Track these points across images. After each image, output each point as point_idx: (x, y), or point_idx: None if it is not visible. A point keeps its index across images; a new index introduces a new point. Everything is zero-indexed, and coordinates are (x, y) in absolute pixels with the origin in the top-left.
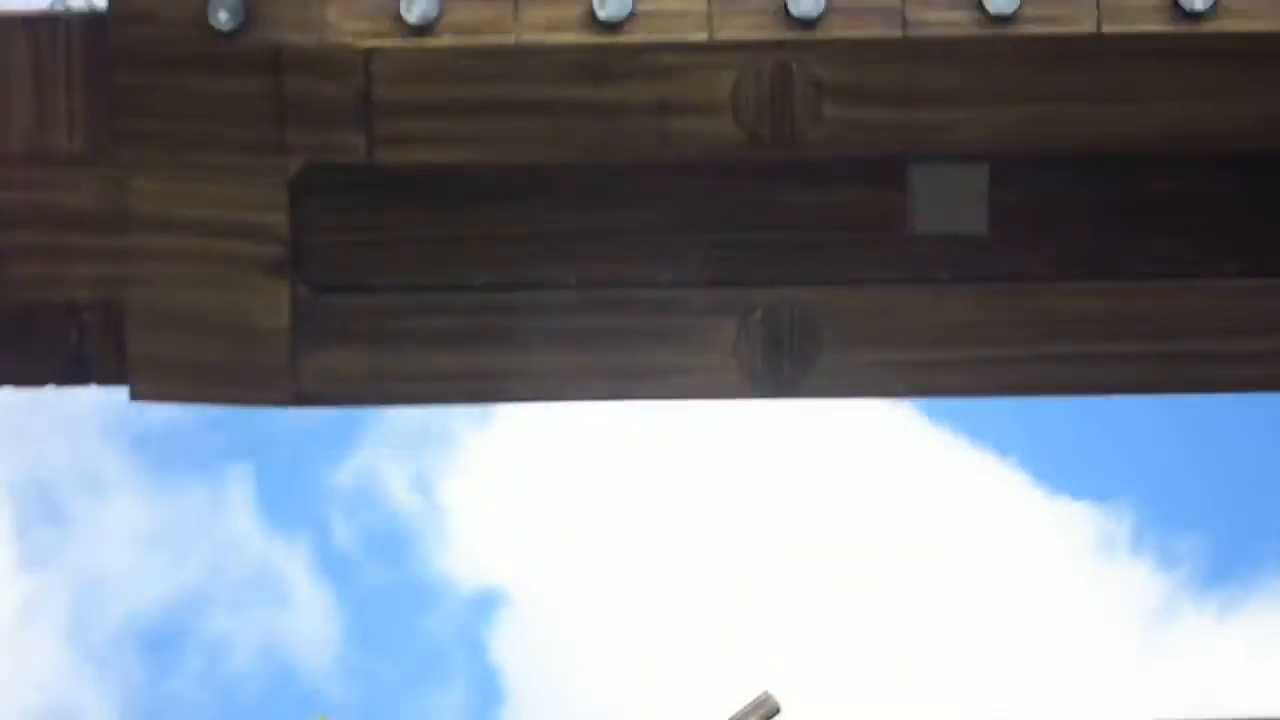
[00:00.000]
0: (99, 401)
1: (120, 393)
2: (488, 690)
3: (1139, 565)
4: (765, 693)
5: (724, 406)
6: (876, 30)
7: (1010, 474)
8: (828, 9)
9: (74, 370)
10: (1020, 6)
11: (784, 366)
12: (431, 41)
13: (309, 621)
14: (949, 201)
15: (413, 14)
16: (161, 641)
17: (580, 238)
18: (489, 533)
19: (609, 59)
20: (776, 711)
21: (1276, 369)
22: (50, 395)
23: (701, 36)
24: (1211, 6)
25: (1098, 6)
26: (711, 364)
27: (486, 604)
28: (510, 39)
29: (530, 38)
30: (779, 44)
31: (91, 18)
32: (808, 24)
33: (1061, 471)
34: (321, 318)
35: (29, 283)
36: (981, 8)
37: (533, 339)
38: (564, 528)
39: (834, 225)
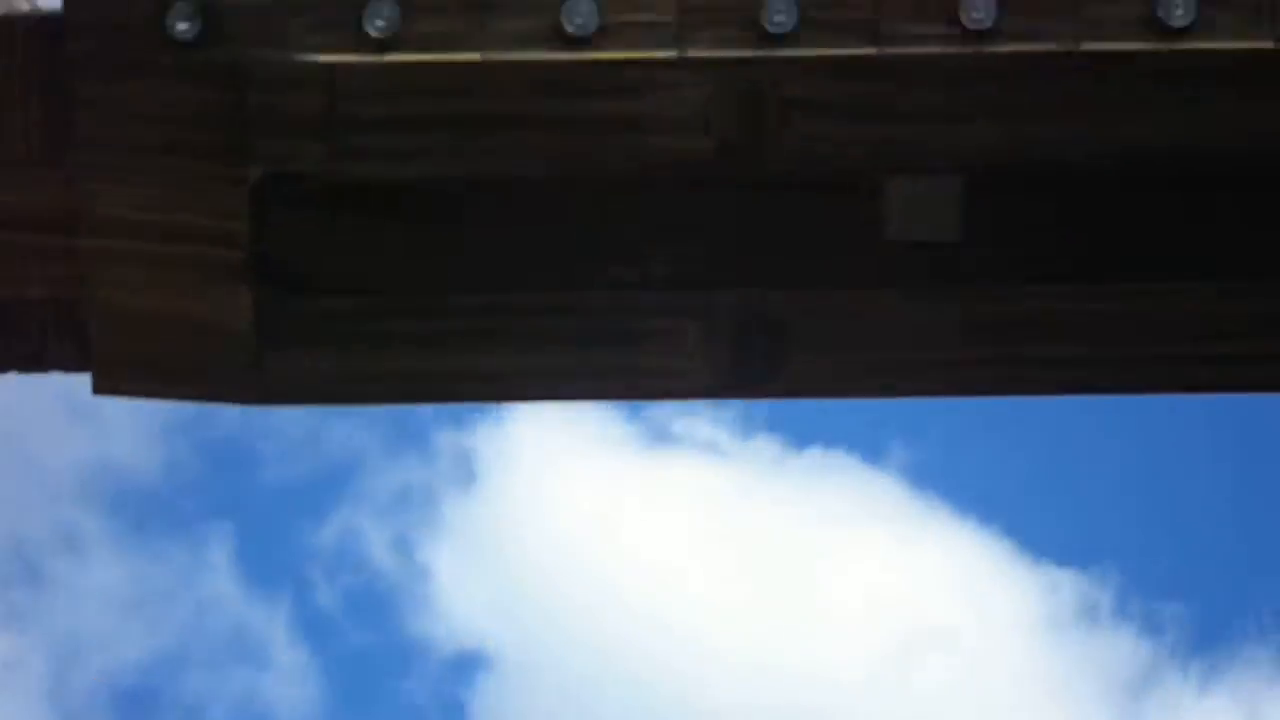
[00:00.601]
0: (77, 462)
1: (100, 452)
2: None
3: (1123, 632)
4: None
5: (712, 478)
6: (850, 47)
7: (994, 541)
8: (800, 24)
9: (35, 363)
10: (998, 20)
11: (753, 367)
12: (396, 56)
13: (288, 683)
14: (923, 212)
15: (376, 28)
16: (139, 702)
17: (543, 242)
18: (471, 595)
19: (576, 75)
20: None
21: (1249, 372)
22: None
23: (671, 53)
24: (1192, 22)
25: (1076, 21)
26: (680, 365)
27: (467, 667)
28: (476, 55)
29: (496, 54)
30: (750, 61)
31: (46, 21)
32: (779, 40)
33: (1045, 539)
34: (286, 320)
35: None
36: (958, 22)
37: (498, 342)
38: (546, 591)
39: (803, 231)
